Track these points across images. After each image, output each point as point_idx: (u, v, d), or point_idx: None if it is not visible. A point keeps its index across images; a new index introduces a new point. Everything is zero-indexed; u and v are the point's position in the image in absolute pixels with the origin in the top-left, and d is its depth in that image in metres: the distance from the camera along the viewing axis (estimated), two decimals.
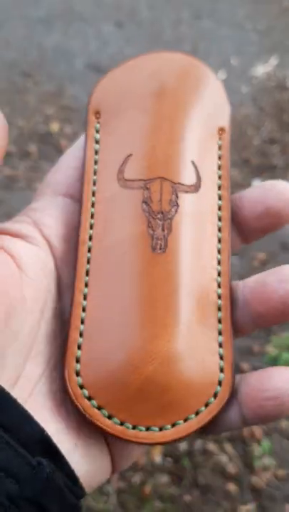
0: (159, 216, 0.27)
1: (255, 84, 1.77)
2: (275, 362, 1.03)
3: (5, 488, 0.20)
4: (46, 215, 0.29)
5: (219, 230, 0.29)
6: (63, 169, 0.31)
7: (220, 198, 0.30)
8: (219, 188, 0.30)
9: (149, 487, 0.86)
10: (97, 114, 0.31)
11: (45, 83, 1.69)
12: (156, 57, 0.33)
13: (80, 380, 0.25)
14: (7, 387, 0.22)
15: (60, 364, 0.25)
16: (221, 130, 0.31)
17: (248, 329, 0.28)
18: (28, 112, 1.60)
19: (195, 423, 0.24)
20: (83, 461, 0.24)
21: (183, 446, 0.92)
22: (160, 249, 0.26)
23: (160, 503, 0.84)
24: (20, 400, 0.22)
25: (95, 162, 0.30)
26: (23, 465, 0.21)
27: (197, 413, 0.25)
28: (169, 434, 0.24)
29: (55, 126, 1.58)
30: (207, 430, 0.26)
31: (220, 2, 2.03)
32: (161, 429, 0.24)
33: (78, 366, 0.25)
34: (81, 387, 0.24)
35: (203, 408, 0.25)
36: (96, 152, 0.30)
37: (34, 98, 1.64)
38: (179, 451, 0.92)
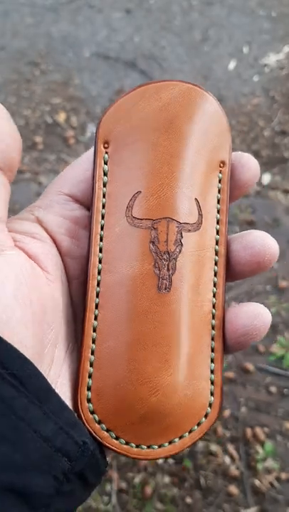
0: (165, 257, 0.30)
1: (267, 73, 1.73)
2: (280, 362, 1.01)
3: (61, 466, 0.25)
4: (49, 212, 0.31)
5: (216, 263, 0.32)
6: (68, 175, 0.33)
7: (217, 233, 0.33)
8: (218, 222, 0.33)
9: (150, 488, 0.85)
10: (106, 143, 0.33)
11: (52, 72, 1.67)
12: (161, 87, 0.33)
13: (91, 406, 0.29)
14: (46, 372, 0.27)
15: (74, 392, 0.29)
16: (222, 163, 0.33)
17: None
18: (34, 102, 1.57)
19: (188, 440, 0.30)
20: None
21: None
22: (165, 289, 0.29)
23: (161, 504, 0.84)
24: (52, 381, 0.27)
25: (104, 195, 0.32)
26: (73, 444, 0.26)
27: (190, 431, 0.30)
28: (167, 450, 0.29)
29: (61, 117, 1.56)
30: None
31: None
32: (160, 447, 0.29)
33: (89, 394, 0.29)
34: (92, 412, 0.29)
35: (195, 427, 0.30)
36: (104, 185, 0.32)
37: (41, 88, 1.62)
38: (182, 452, 0.90)
